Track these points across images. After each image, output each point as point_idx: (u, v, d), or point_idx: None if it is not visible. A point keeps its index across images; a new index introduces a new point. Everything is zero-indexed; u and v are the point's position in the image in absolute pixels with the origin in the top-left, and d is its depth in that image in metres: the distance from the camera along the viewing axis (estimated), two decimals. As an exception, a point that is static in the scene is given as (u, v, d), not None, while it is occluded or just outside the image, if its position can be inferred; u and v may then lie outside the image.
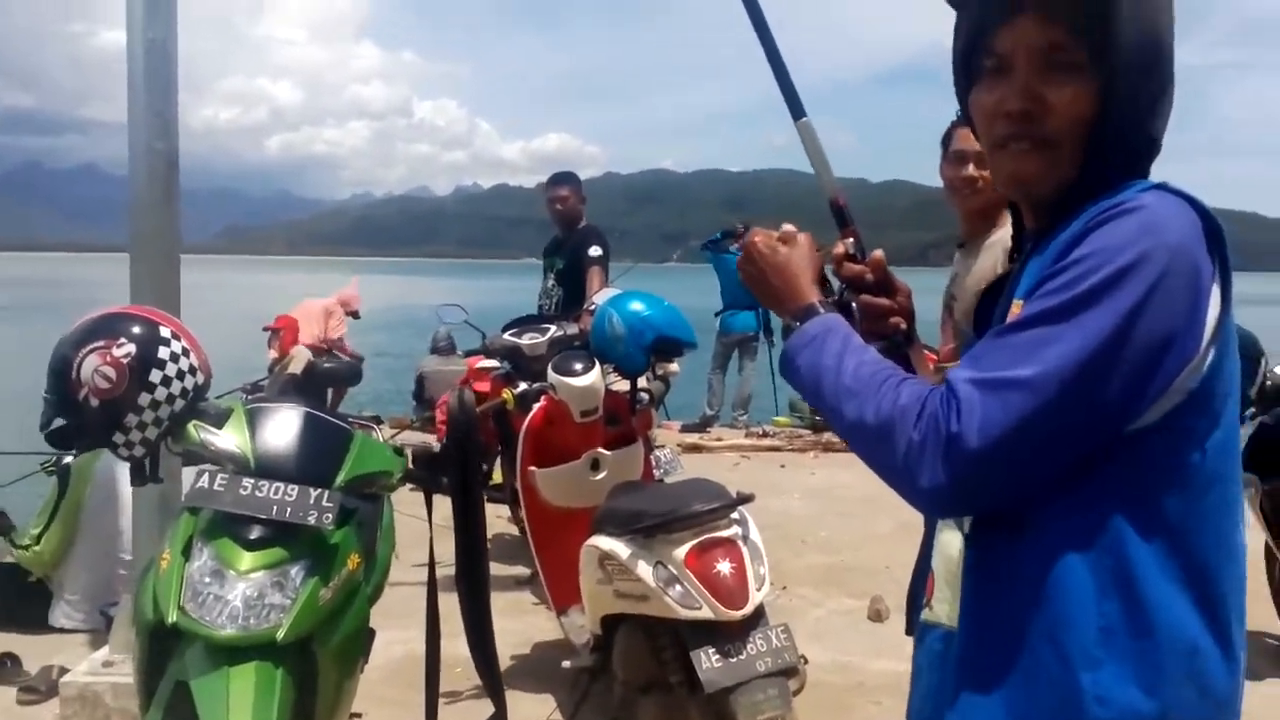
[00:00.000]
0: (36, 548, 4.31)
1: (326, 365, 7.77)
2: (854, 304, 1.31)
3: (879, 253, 1.31)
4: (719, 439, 9.12)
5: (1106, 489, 1.00)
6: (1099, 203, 1.02)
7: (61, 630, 4.26)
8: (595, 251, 5.78)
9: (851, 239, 1.33)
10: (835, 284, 1.31)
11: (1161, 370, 0.97)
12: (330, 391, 7.25)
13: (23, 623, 4.26)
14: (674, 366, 4.17)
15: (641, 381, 3.81)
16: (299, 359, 7.85)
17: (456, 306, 5.90)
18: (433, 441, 3.91)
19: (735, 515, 2.83)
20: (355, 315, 10.38)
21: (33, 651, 3.94)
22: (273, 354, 8.02)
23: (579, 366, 3.53)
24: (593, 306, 4.53)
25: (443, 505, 2.40)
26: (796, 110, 1.37)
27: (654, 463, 4.12)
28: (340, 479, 2.13)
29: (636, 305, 3.61)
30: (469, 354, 5.03)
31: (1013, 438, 0.96)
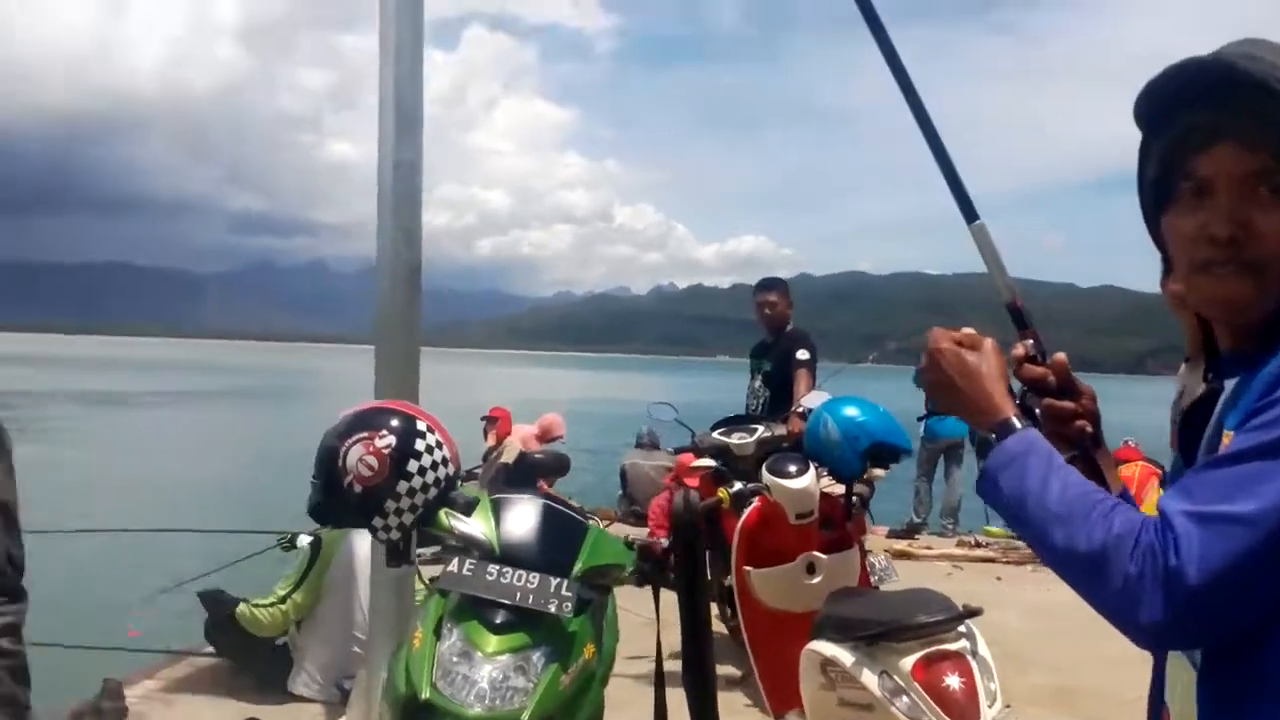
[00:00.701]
0: (282, 606, 4.64)
1: (536, 456, 8.08)
2: (1036, 409, 1.26)
3: (1061, 355, 1.27)
4: (928, 547, 8.82)
5: None
6: None
7: (301, 698, 4.54)
8: (803, 355, 5.85)
9: (1031, 340, 1.29)
10: (1016, 386, 1.26)
11: None
12: (539, 481, 7.50)
13: (265, 687, 4.58)
14: (880, 471, 4.13)
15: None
16: (511, 449, 8.20)
17: (667, 405, 6.04)
18: (645, 536, 3.98)
19: (963, 629, 2.76)
20: (559, 439, 10.69)
21: (272, 717, 4.22)
22: (489, 442, 8.40)
23: (794, 469, 3.55)
24: (801, 409, 4.56)
25: (664, 599, 2.47)
26: (969, 213, 1.36)
27: (869, 569, 4.05)
28: (577, 569, 2.23)
29: (851, 410, 3.61)
30: (679, 451, 5.12)
31: (1233, 573, 0.93)
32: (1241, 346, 1.10)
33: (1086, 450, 1.26)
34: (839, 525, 3.67)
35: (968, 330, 1.27)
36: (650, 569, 2.45)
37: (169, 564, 6.79)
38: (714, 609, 5.22)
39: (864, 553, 4.05)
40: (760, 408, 5.93)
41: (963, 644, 2.70)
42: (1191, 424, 1.16)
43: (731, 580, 3.77)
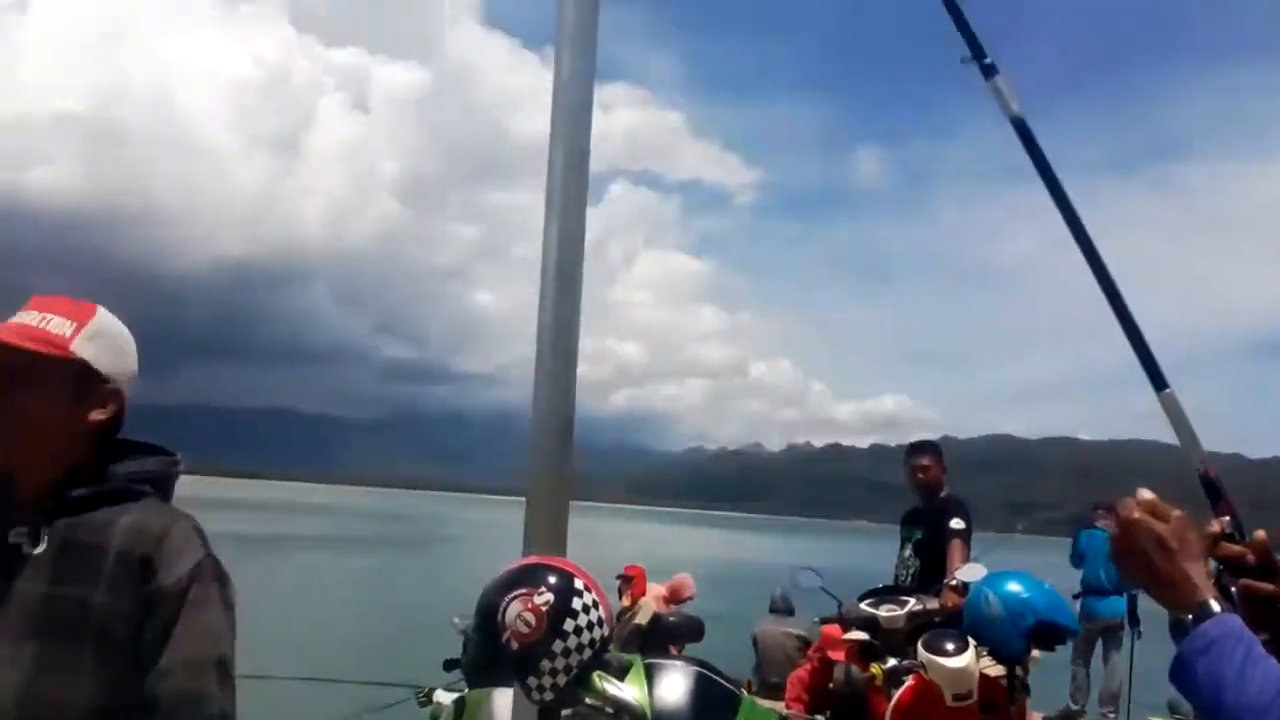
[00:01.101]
0: None
1: (670, 620, 7.96)
2: (1233, 589, 1.21)
3: (1261, 533, 1.22)
4: (1087, 735, 8.19)
5: None
6: None
7: None
8: (957, 524, 5.62)
9: (1228, 516, 1.25)
10: (1212, 565, 1.21)
11: None
12: (670, 646, 7.36)
13: None
14: (1037, 653, 3.91)
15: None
16: (645, 610, 8.10)
17: (813, 571, 5.90)
18: (783, 709, 3.83)
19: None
20: (690, 599, 10.56)
21: None
22: (624, 602, 8.32)
23: (952, 646, 3.41)
24: (955, 582, 4.39)
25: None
26: (1159, 382, 1.34)
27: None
28: (730, 742, 2.17)
29: (1015, 586, 3.47)
30: (824, 621, 4.97)
31: None
32: None
33: None
34: (1000, 709, 3.47)
35: (1145, 493, 1.20)
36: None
37: (306, 711, 6.88)
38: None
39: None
40: (910, 578, 5.71)
41: None
42: None
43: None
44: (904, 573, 5.83)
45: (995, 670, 3.54)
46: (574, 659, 2.24)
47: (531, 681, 2.27)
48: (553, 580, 2.32)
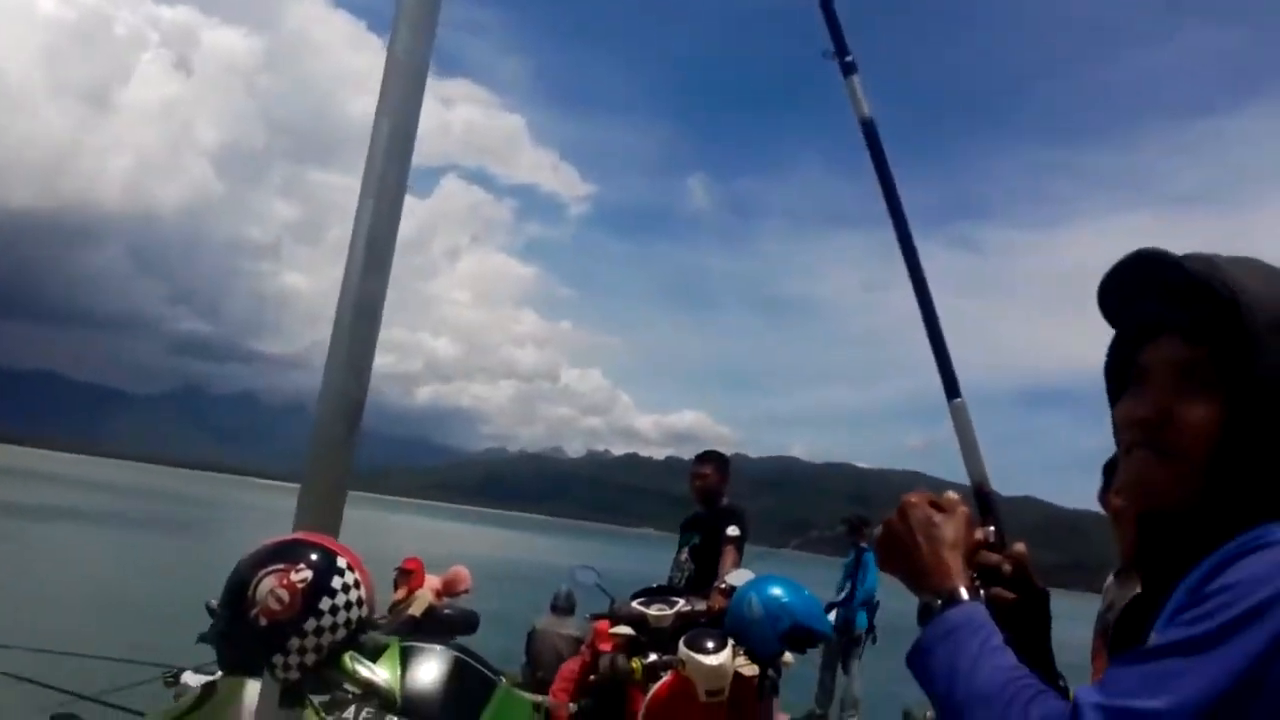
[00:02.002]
0: None
1: (446, 612, 7.86)
2: (982, 595, 1.20)
3: (1021, 546, 1.25)
4: (829, 737, 8.65)
5: None
6: (1236, 538, 1.00)
7: None
8: (733, 531, 5.81)
9: (993, 528, 1.26)
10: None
11: None
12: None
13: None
14: (790, 657, 4.10)
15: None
16: (420, 602, 7.97)
17: (590, 569, 5.96)
18: (542, 700, 3.85)
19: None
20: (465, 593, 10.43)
21: None
22: (399, 594, 8.15)
23: (711, 645, 3.52)
24: (724, 585, 4.54)
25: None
26: (952, 390, 1.34)
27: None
28: (479, 728, 2.17)
29: (777, 590, 3.63)
30: (596, 617, 5.04)
31: None
32: (1167, 552, 1.10)
33: (1031, 649, 1.21)
34: (748, 707, 3.62)
35: (950, 494, 1.23)
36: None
37: (40, 688, 6.37)
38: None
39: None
40: (684, 580, 5.86)
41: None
42: (1124, 633, 1.15)
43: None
44: (678, 575, 5.99)
45: (750, 670, 3.68)
46: (326, 639, 2.18)
47: (278, 659, 2.19)
48: (314, 557, 2.25)
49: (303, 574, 2.20)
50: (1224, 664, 0.91)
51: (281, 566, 2.20)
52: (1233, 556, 0.97)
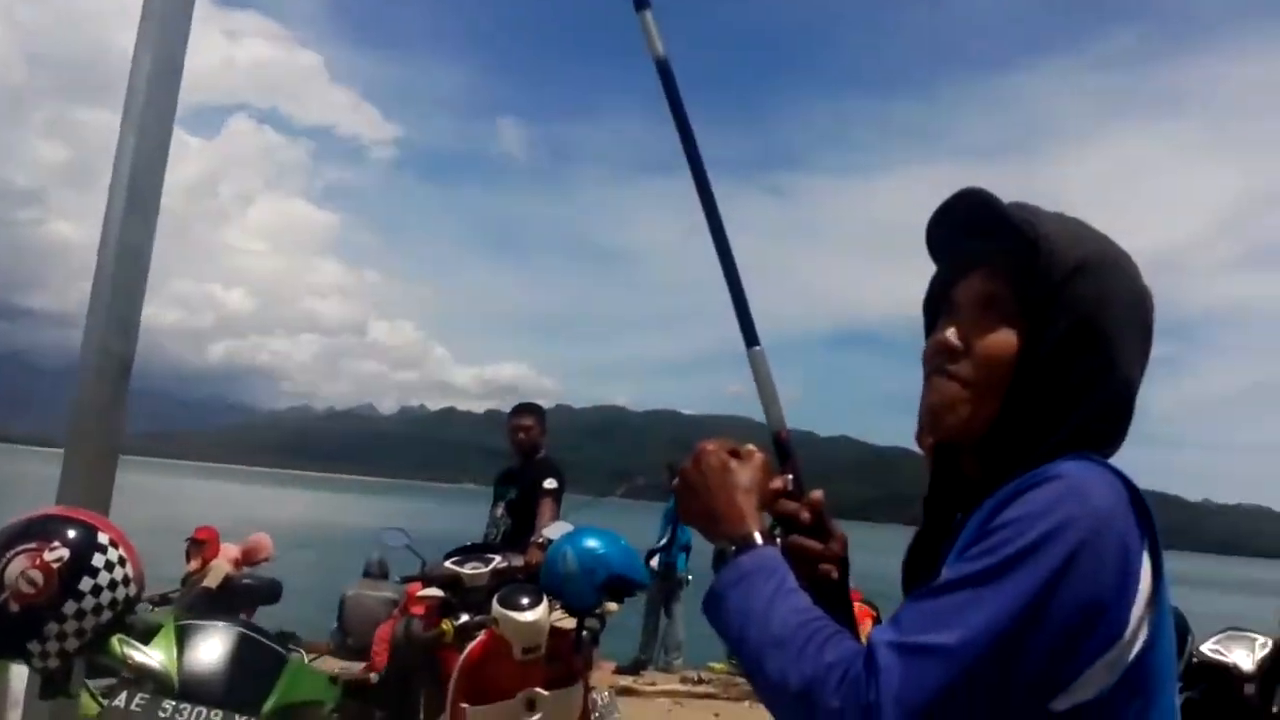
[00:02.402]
0: None
1: (245, 582, 7.52)
2: (781, 542, 1.21)
3: (818, 493, 1.26)
4: (652, 683, 8.92)
5: None
6: (1023, 473, 1.02)
7: None
8: (550, 484, 5.81)
9: (791, 475, 1.26)
10: (767, 520, 1.21)
11: (1088, 641, 0.95)
12: (243, 610, 6.98)
13: None
14: (614, 606, 4.13)
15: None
16: (216, 573, 7.58)
17: (399, 530, 5.82)
18: (356, 669, 3.74)
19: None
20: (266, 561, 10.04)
21: None
22: (192, 565, 7.74)
23: (526, 601, 3.48)
24: (541, 539, 4.51)
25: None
26: (751, 337, 1.34)
27: (591, 705, 3.98)
28: (269, 706, 2.05)
29: (592, 542, 3.61)
30: (406, 580, 4.92)
31: (931, 708, 0.91)
32: (969, 487, 1.13)
33: (830, 595, 1.21)
34: (565, 660, 3.60)
35: (748, 446, 1.23)
36: (357, 705, 2.30)
37: None
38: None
39: (588, 689, 3.98)
40: (500, 536, 5.82)
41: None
42: (913, 570, 1.18)
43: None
44: (494, 531, 5.93)
45: (567, 624, 3.66)
46: (89, 622, 2.01)
47: (34, 647, 2.00)
48: (70, 534, 2.06)
49: (58, 552, 2.02)
50: (1007, 598, 0.93)
51: (33, 545, 2.02)
52: (1017, 492, 1.00)
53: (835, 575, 1.27)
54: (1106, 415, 1.11)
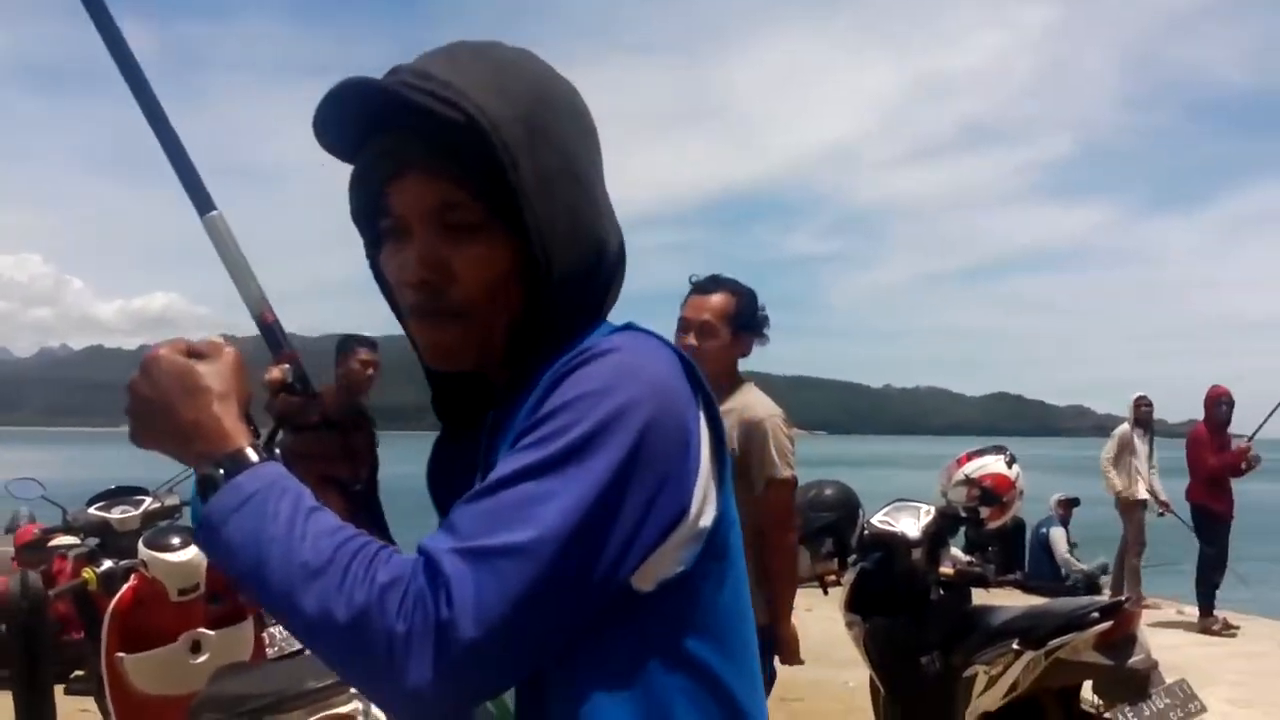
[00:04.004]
0: None
1: None
2: (279, 447, 1.07)
3: (328, 388, 1.17)
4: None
5: (632, 642, 0.97)
6: (566, 353, 0.98)
7: None
8: None
9: (290, 364, 1.10)
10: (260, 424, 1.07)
11: (665, 514, 0.94)
12: None
13: None
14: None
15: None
16: None
17: (32, 481, 5.47)
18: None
19: (355, 689, 2.86)
20: None
21: None
22: None
23: (177, 540, 3.44)
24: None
25: (4, 701, 2.26)
26: (203, 204, 1.12)
27: (267, 640, 4.01)
28: None
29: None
30: (9, 530, 4.68)
31: (515, 614, 0.86)
32: (499, 383, 1.08)
33: (360, 506, 1.13)
34: (230, 597, 3.61)
35: (212, 339, 1.05)
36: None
37: None
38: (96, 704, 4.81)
39: (262, 624, 4.01)
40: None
41: (354, 705, 2.81)
42: (446, 476, 1.12)
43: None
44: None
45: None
46: None
47: None
48: None
49: None
50: (578, 486, 0.90)
51: None
52: (568, 370, 0.95)
53: (363, 480, 1.15)
54: (615, 275, 1.10)
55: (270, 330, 1.11)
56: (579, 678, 0.96)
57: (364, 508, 1.12)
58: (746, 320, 3.38)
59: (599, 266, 1.06)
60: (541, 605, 0.88)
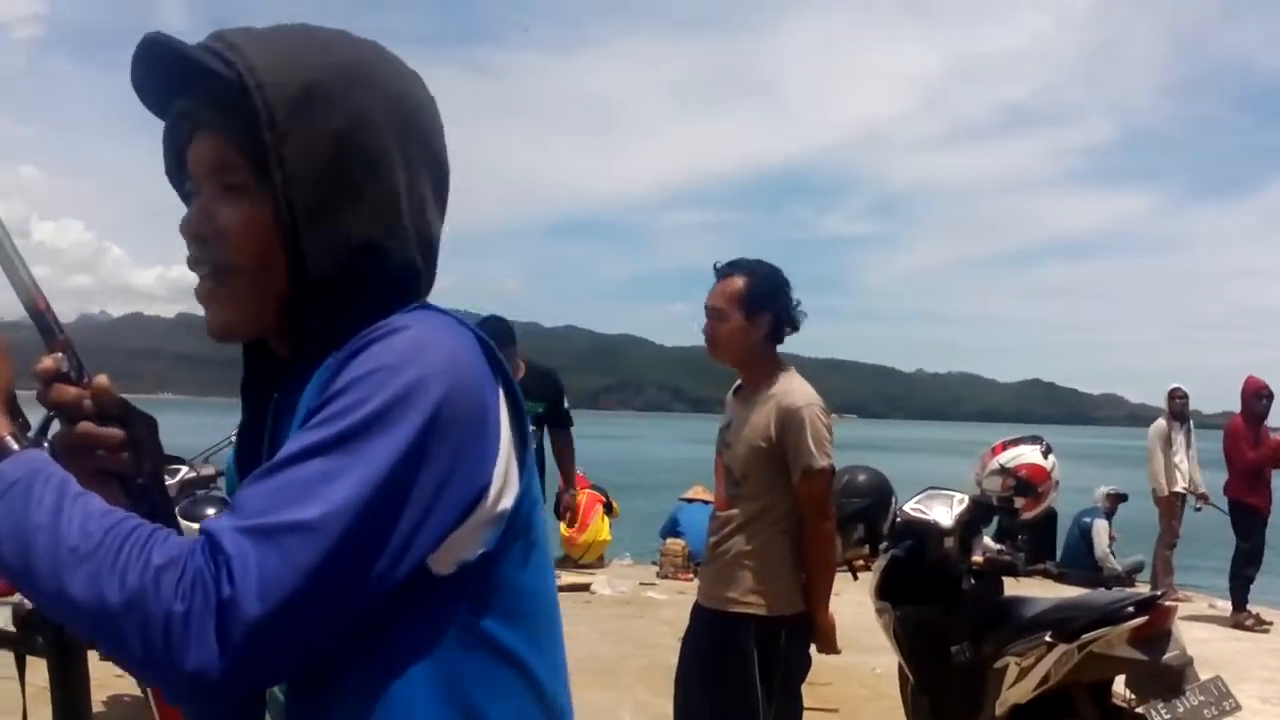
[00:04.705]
0: None
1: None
2: (50, 439, 1.04)
3: (103, 377, 1.05)
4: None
5: (431, 626, 0.95)
6: (361, 332, 0.96)
7: None
8: None
9: (63, 354, 1.05)
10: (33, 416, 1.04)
11: (463, 493, 0.92)
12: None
13: None
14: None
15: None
16: None
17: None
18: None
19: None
20: None
21: None
22: None
23: (212, 511, 3.47)
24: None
25: (38, 668, 2.27)
26: None
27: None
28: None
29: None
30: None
31: (302, 594, 0.84)
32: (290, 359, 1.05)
33: (140, 495, 1.05)
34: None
35: None
36: (12, 633, 2.25)
37: None
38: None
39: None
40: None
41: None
42: (248, 460, 1.08)
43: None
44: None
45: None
46: None
47: None
48: None
49: None
50: (369, 463, 0.87)
51: None
52: (359, 349, 0.93)
53: (146, 473, 1.08)
54: (407, 259, 1.04)
55: (42, 318, 1.06)
56: (375, 663, 0.94)
57: (147, 501, 1.04)
58: (760, 300, 3.28)
59: (384, 249, 1.01)
60: (330, 583, 0.85)
